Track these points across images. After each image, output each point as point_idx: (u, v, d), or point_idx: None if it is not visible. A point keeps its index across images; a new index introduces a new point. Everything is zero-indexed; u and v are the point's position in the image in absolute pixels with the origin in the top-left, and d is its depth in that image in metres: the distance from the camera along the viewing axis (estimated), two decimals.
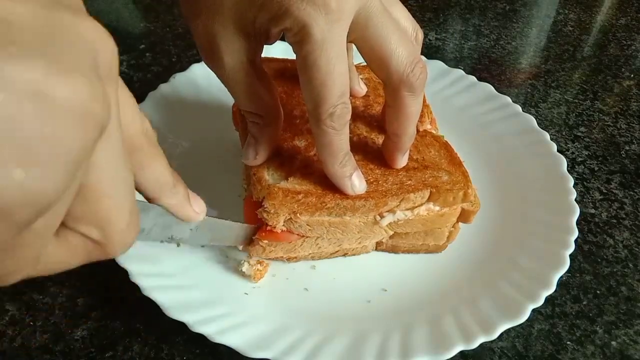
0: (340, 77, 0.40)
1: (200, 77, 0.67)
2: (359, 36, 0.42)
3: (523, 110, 0.64)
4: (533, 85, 0.78)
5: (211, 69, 0.45)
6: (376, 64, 0.43)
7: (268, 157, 0.48)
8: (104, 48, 0.21)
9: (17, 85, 0.17)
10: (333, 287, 0.50)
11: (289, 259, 0.51)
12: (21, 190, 0.17)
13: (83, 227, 0.23)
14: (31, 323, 0.46)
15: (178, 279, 0.47)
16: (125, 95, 0.25)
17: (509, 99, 0.66)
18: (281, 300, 0.48)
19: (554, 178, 0.57)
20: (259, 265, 0.49)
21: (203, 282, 0.48)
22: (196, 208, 0.34)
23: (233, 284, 0.49)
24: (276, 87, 0.46)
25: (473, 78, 0.69)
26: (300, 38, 0.39)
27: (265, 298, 0.48)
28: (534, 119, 0.63)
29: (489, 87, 0.68)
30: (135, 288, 0.44)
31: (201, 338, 0.42)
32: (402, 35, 0.42)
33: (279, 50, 0.70)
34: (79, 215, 0.22)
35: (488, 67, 0.80)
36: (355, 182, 0.46)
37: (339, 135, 0.43)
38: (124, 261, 0.46)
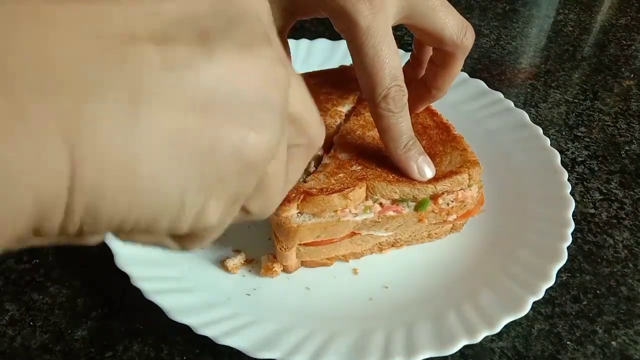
0: (389, 60, 0.42)
1: None
2: (407, 18, 0.45)
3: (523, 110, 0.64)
4: (533, 85, 0.78)
5: None
6: (429, 37, 0.47)
7: None
8: (262, 6, 0.22)
9: (235, 66, 0.19)
10: (334, 285, 0.50)
11: (328, 259, 0.52)
12: (258, 149, 0.20)
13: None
14: (31, 323, 0.46)
15: (179, 282, 0.47)
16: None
17: (501, 95, 0.66)
18: (283, 300, 0.48)
19: (548, 172, 0.57)
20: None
21: (204, 285, 0.48)
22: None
23: (234, 285, 0.49)
24: (291, 55, 0.49)
25: (464, 74, 0.69)
26: (346, 27, 0.42)
27: (267, 298, 0.48)
28: (527, 114, 0.63)
29: (481, 83, 0.68)
30: (136, 288, 0.44)
31: (201, 338, 0.42)
32: (445, 4, 0.45)
33: None
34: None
35: (488, 67, 0.80)
36: (424, 167, 0.47)
37: (396, 118, 0.45)
38: (125, 265, 0.46)
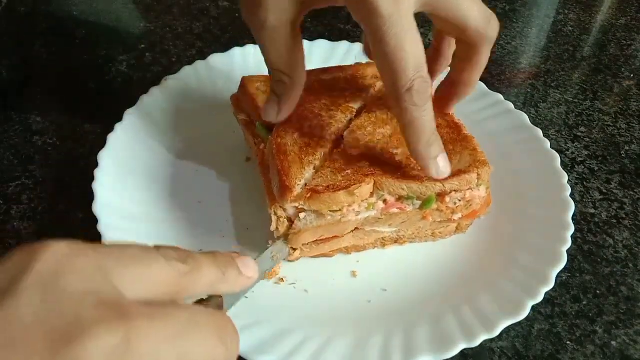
0: (413, 50, 0.39)
1: (191, 79, 0.67)
2: (429, 5, 0.42)
3: (523, 111, 0.64)
4: (533, 85, 0.77)
5: (248, 25, 0.44)
6: (453, 28, 0.44)
7: (288, 115, 0.48)
8: None
9: None
10: (333, 288, 0.50)
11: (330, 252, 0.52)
12: None
13: None
14: None
15: None
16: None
17: (501, 97, 0.66)
18: (281, 303, 0.48)
19: (548, 174, 0.57)
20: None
21: None
22: (248, 273, 0.32)
23: None
24: (303, 50, 0.46)
25: None
26: (365, 15, 0.39)
27: (265, 301, 0.48)
28: (527, 116, 0.63)
29: (481, 85, 0.67)
30: None
31: None
32: None
33: None
34: None
35: (488, 67, 0.79)
36: (441, 164, 0.45)
37: (420, 112, 0.42)
38: None
